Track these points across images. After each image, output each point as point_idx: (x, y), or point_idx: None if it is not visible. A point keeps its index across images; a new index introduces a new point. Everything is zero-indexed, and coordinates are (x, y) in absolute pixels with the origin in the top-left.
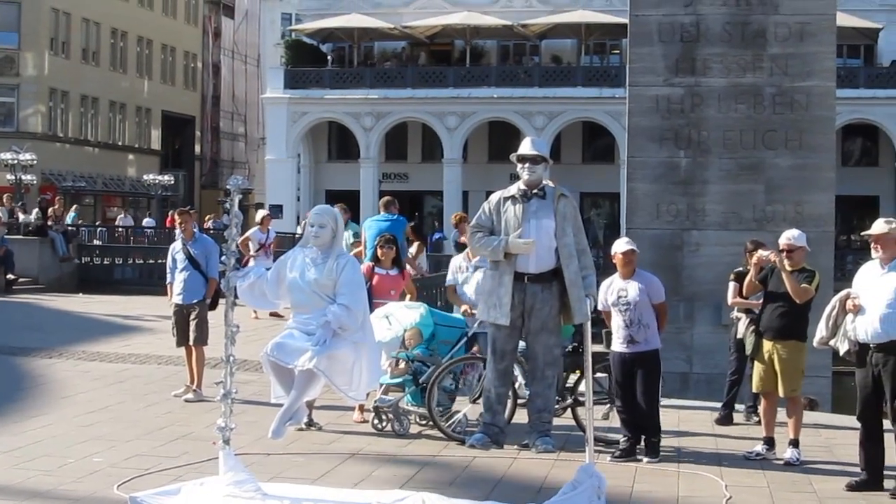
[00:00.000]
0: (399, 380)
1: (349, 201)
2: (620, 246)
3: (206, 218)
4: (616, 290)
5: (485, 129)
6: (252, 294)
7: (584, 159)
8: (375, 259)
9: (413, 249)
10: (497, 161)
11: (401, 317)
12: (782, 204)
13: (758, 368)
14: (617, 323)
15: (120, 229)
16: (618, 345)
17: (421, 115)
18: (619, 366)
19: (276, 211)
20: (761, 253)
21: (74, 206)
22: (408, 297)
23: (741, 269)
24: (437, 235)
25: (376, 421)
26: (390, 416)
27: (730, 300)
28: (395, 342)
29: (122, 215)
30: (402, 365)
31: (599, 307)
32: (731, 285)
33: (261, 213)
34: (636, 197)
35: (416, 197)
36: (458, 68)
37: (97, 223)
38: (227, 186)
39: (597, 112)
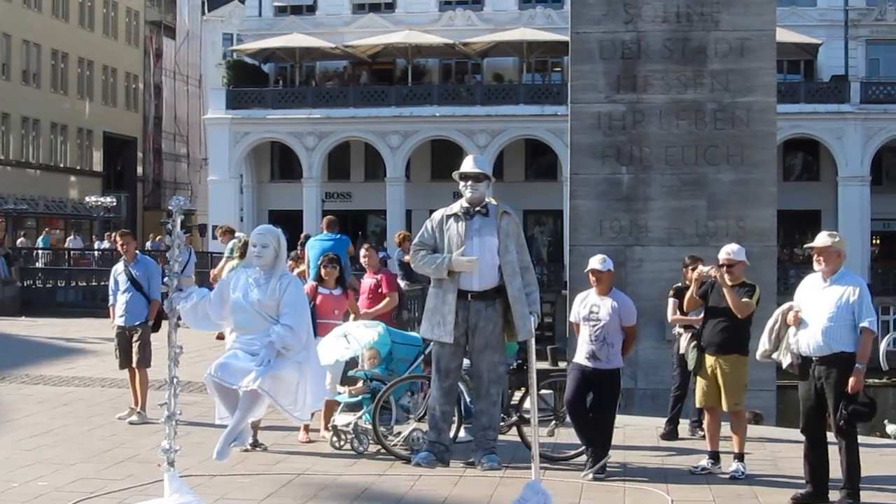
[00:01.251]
0: (357, 399)
1: (292, 221)
2: (595, 263)
3: (156, 238)
4: (589, 305)
5: (427, 147)
6: (195, 315)
7: (527, 177)
8: (319, 279)
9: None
10: (440, 179)
11: (359, 336)
12: (725, 219)
13: (701, 383)
14: (583, 337)
15: (64, 252)
16: (580, 357)
17: (363, 135)
18: (576, 378)
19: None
20: (701, 268)
21: (46, 230)
22: (352, 317)
23: (680, 284)
24: (380, 254)
25: (335, 440)
26: (349, 435)
27: (669, 317)
28: (341, 365)
29: (73, 237)
30: (360, 384)
31: (571, 318)
32: (671, 301)
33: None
34: (579, 214)
35: (359, 216)
36: (400, 87)
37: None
38: (170, 207)
39: (539, 129)
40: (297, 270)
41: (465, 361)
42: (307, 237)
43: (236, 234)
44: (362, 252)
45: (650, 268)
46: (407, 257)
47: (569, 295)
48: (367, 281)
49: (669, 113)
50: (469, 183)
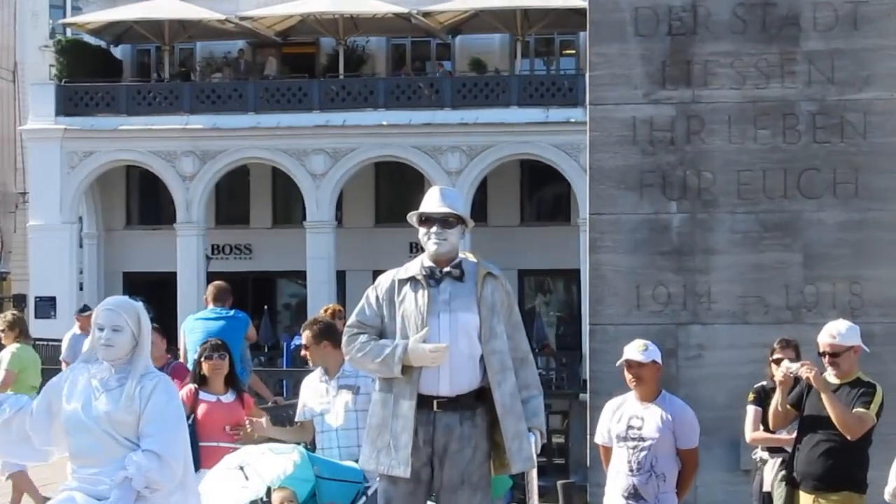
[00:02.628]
0: None
1: (161, 289)
2: (633, 353)
3: None
4: (626, 418)
5: (370, 174)
6: (8, 437)
7: (525, 218)
8: (200, 378)
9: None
10: (389, 224)
11: (264, 467)
12: (830, 281)
13: None
14: (618, 466)
15: None
16: (615, 498)
17: (270, 156)
18: None
19: (48, 307)
20: (787, 365)
21: None
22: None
23: (764, 384)
24: (298, 340)
25: None
26: None
27: (748, 434)
28: None
29: None
30: None
31: (598, 440)
32: (751, 410)
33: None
34: (604, 276)
35: (264, 281)
36: (326, 81)
37: None
38: None
39: (542, 146)
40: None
41: None
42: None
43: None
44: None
45: (716, 358)
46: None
47: (590, 401)
48: None
49: (743, 119)
50: (433, 229)
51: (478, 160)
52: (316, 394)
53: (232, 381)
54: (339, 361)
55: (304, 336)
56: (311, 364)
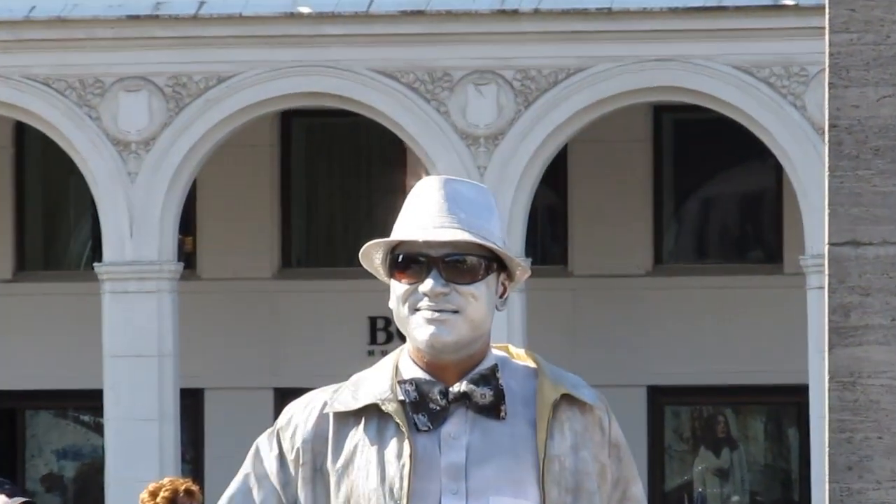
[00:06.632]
0: None
1: None
2: None
3: None
4: None
5: (267, 143)
6: None
7: (666, 258)
8: None
9: None
10: (314, 271)
11: None
12: None
13: None
14: None
15: None
16: None
17: (10, 94)
18: None
19: None
20: None
21: None
22: None
23: None
24: None
25: None
26: None
27: None
28: None
29: None
30: None
31: None
32: None
33: None
34: (870, 402)
35: None
36: None
37: None
38: None
39: (708, 69)
40: None
41: None
42: None
43: None
44: None
45: None
46: None
47: None
48: None
49: None
50: (428, 286)
51: (542, 106)
52: None
53: None
54: None
55: None
56: None
